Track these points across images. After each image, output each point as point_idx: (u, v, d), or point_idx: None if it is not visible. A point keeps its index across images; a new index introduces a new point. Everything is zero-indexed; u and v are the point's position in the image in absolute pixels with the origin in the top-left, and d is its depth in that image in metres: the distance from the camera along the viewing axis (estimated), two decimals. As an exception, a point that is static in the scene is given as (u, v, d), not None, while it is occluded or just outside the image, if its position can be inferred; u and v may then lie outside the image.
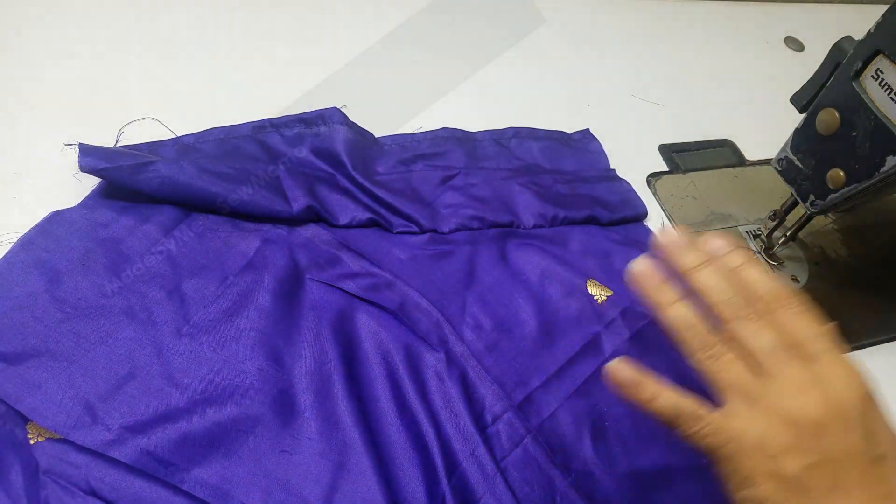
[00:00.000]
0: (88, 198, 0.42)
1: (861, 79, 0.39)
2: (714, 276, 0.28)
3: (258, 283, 0.40)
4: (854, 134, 0.40)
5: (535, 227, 0.48)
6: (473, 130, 0.54)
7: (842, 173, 0.41)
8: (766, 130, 0.56)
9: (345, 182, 0.47)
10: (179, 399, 0.35)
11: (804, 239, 0.54)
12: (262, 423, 0.35)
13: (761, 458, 0.25)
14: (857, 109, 0.39)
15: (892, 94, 0.37)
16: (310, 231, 0.44)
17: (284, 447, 0.35)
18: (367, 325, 0.40)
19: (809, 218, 0.48)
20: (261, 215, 0.43)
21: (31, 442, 0.32)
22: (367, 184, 0.46)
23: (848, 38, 0.41)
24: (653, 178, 0.56)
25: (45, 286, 0.37)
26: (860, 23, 0.40)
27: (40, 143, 0.45)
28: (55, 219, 0.41)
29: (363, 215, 0.45)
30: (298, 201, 0.44)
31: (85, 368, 0.35)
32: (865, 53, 0.38)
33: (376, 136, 0.51)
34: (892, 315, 0.50)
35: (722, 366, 0.27)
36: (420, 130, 0.53)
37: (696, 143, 0.60)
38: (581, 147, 0.56)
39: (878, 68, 0.38)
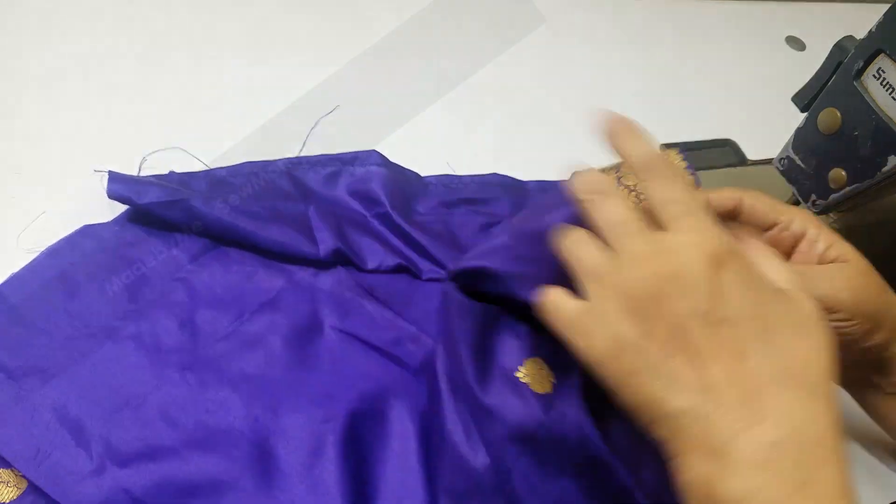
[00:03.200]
0: (122, 215, 0.42)
1: (862, 78, 0.39)
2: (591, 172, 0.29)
3: (273, 326, 0.39)
4: (856, 133, 0.40)
5: None
6: (524, 179, 0.52)
7: (843, 173, 0.41)
8: (768, 130, 0.56)
9: (376, 224, 0.45)
10: (168, 437, 0.34)
11: (806, 239, 0.53)
12: (243, 481, 0.33)
13: (603, 332, 0.25)
14: (858, 109, 0.39)
15: (893, 94, 0.37)
16: (335, 276, 0.42)
17: None
18: (386, 383, 0.38)
19: (811, 218, 0.48)
20: (288, 255, 0.42)
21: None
22: (403, 224, 0.44)
23: (849, 38, 0.41)
24: (654, 177, 0.55)
25: (62, 299, 0.37)
26: (862, 22, 0.39)
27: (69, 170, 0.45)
28: (87, 231, 0.41)
29: (392, 261, 0.43)
30: (326, 243, 0.42)
31: (80, 388, 0.34)
32: (867, 53, 0.38)
33: (420, 174, 0.50)
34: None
35: (573, 246, 0.27)
36: (469, 174, 0.51)
37: (698, 142, 0.60)
38: None
39: (879, 68, 0.38)
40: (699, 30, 0.74)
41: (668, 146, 0.58)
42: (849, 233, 0.55)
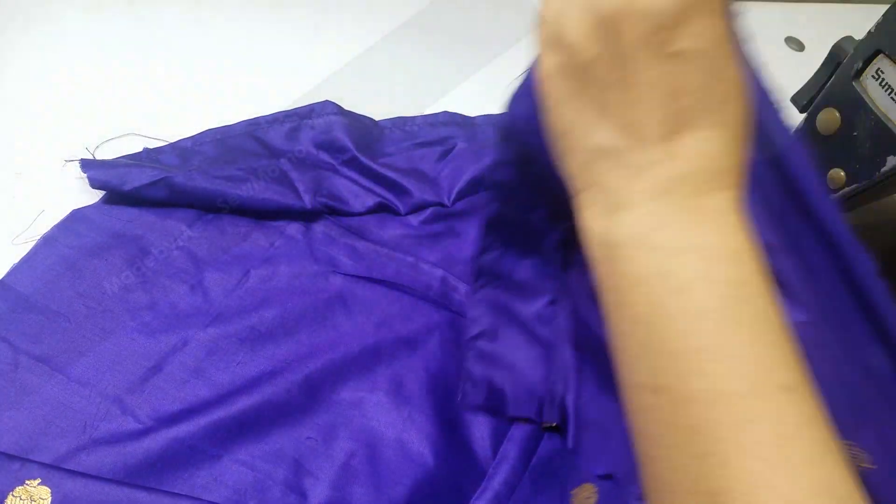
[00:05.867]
0: (106, 195, 0.43)
1: (861, 78, 0.39)
2: None
3: (281, 279, 0.41)
4: (855, 134, 0.40)
5: None
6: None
7: (842, 173, 0.41)
8: (767, 130, 0.56)
9: (346, 170, 0.47)
10: (207, 391, 0.35)
11: (805, 239, 0.54)
12: (289, 410, 0.36)
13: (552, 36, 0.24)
14: (857, 109, 0.39)
15: (892, 94, 0.37)
16: (324, 225, 0.45)
17: (309, 434, 0.35)
18: (404, 310, 0.41)
19: (810, 218, 0.48)
20: (275, 210, 0.44)
21: None
22: (373, 165, 0.47)
23: (848, 38, 0.41)
24: (653, 178, 0.55)
25: (70, 282, 0.38)
26: (861, 22, 0.40)
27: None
28: (76, 215, 0.41)
29: (372, 200, 0.46)
30: (309, 194, 0.44)
31: (112, 361, 0.36)
32: (866, 53, 0.38)
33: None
34: (892, 315, 0.50)
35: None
36: (422, 115, 0.53)
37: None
38: None
39: (878, 68, 0.38)
40: (698, 30, 0.74)
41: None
42: (848, 233, 0.55)
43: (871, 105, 0.38)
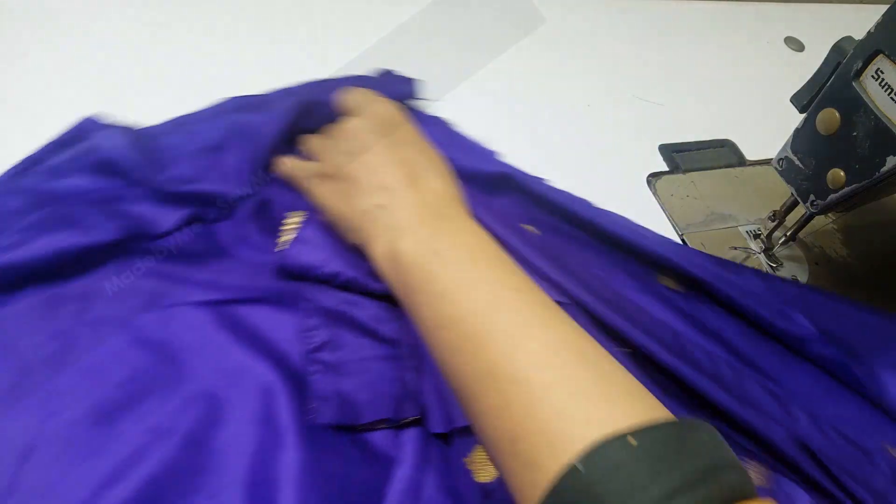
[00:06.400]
0: None
1: (861, 79, 0.39)
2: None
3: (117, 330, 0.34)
4: (854, 134, 0.40)
5: None
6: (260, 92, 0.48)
7: (842, 173, 0.41)
8: (767, 130, 0.56)
9: (138, 190, 0.39)
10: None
11: (804, 239, 0.54)
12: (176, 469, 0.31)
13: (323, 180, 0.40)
14: (857, 109, 0.39)
15: (892, 94, 0.37)
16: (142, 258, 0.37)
17: None
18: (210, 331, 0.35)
19: (810, 218, 0.48)
20: (72, 261, 0.36)
21: None
22: (163, 181, 0.39)
23: (848, 38, 0.41)
24: (653, 178, 0.56)
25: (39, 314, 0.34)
26: (860, 22, 0.39)
27: None
28: None
29: (175, 216, 0.39)
30: (112, 223, 0.37)
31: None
32: (866, 53, 0.38)
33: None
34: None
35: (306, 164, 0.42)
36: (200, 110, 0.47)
37: (697, 142, 0.60)
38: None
39: (878, 68, 0.38)
40: (697, 30, 0.74)
41: (665, 146, 0.59)
42: (848, 233, 0.55)
43: (870, 105, 0.38)
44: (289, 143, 0.44)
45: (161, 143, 0.42)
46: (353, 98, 0.43)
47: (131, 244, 0.37)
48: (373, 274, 0.37)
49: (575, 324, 0.31)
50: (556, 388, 0.27)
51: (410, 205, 0.36)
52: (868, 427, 0.39)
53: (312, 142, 0.43)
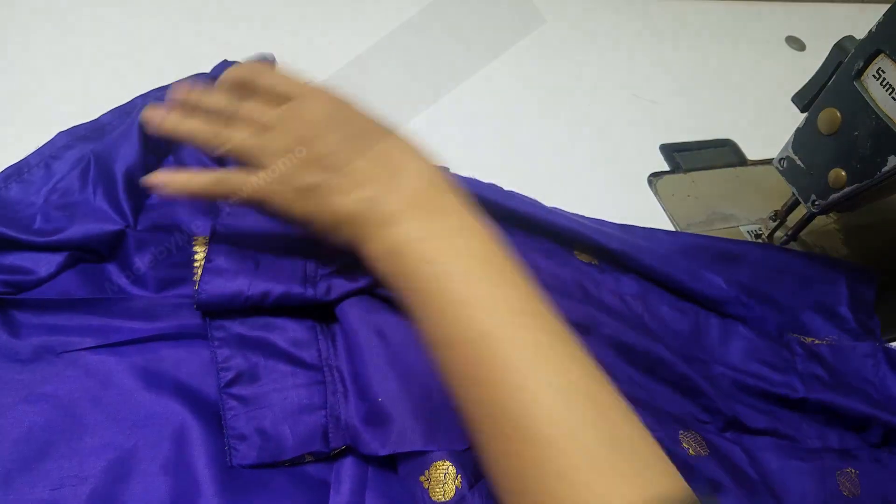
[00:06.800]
0: None
1: (862, 78, 0.39)
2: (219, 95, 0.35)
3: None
4: (855, 134, 0.40)
5: None
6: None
7: (843, 173, 0.41)
8: (768, 130, 0.56)
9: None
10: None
11: (805, 239, 0.54)
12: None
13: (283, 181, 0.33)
14: (858, 109, 0.39)
15: (893, 94, 0.37)
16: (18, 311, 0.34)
17: None
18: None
19: (811, 218, 0.48)
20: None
21: None
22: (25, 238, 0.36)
23: (849, 38, 0.41)
24: (654, 177, 0.55)
25: None
26: (861, 22, 0.39)
27: None
28: None
29: (58, 259, 0.36)
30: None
31: None
32: (867, 53, 0.38)
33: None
34: (892, 315, 0.50)
35: (228, 140, 0.33)
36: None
37: (698, 142, 0.60)
38: None
39: (879, 68, 0.38)
40: (699, 29, 0.74)
41: (666, 146, 0.59)
42: (849, 233, 0.55)
43: (871, 105, 0.38)
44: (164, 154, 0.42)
45: (4, 198, 0.39)
46: (275, 80, 0.35)
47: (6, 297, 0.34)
48: (308, 279, 0.35)
49: (586, 359, 0.28)
50: (569, 453, 0.25)
51: (401, 192, 0.32)
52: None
53: (241, 143, 0.33)
